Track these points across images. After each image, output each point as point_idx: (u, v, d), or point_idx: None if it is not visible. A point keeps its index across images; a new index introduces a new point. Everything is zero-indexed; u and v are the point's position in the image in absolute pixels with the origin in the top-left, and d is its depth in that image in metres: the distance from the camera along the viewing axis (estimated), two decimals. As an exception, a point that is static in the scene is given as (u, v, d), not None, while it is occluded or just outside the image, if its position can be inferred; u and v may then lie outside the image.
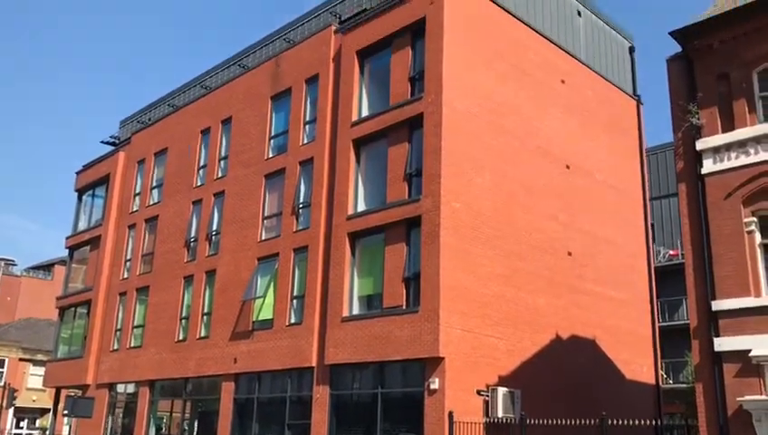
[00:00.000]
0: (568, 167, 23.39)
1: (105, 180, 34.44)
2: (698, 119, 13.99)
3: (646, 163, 27.98)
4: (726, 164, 13.40)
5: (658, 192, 38.30)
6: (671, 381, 34.48)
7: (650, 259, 26.80)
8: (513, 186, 21.11)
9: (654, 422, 15.94)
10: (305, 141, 24.02)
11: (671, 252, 37.56)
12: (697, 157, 13.93)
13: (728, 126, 13.69)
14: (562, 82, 24.00)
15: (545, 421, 15.41)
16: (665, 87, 15.05)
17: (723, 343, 12.60)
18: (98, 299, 32.02)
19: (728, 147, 13.46)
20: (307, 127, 24.28)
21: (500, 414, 17.71)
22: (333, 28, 23.96)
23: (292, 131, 24.54)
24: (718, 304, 12.88)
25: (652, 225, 29.28)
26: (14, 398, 40.12)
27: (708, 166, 13.70)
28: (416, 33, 20.84)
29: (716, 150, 13.61)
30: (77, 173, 37.07)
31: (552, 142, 22.97)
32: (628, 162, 26.71)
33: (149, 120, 34.08)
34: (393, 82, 21.18)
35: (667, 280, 33.92)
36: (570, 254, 22.57)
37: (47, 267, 65.55)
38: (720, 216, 13.28)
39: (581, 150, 24.20)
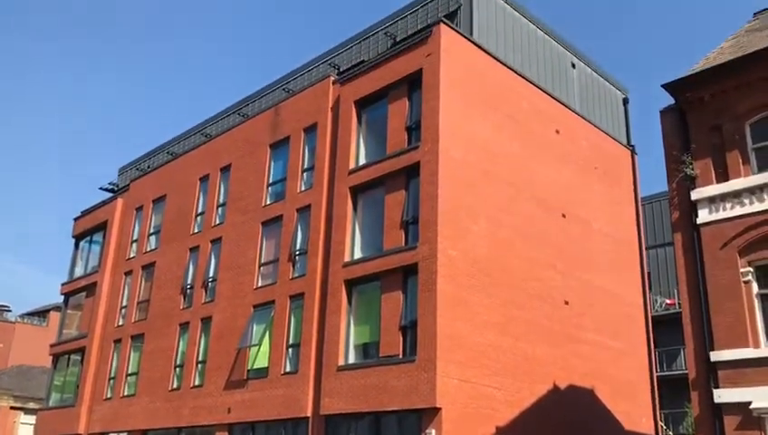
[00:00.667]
0: (564, 215, 23.51)
1: (103, 227, 34.46)
2: (692, 169, 14.14)
3: (641, 212, 28.14)
4: (721, 214, 13.50)
5: (654, 241, 38.40)
6: (671, 433, 33.99)
7: (647, 308, 26.73)
8: (510, 234, 21.18)
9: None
10: (303, 189, 24.16)
11: (668, 301, 37.46)
12: (692, 207, 14.04)
13: (722, 177, 13.83)
14: (557, 131, 24.30)
15: (544, 474, 15.18)
16: (659, 137, 15.25)
17: (722, 395, 12.49)
18: (92, 346, 31.71)
19: (723, 197, 13.57)
20: (305, 174, 24.46)
21: (498, 466, 17.42)
22: (332, 79, 24.34)
23: (289, 179, 24.70)
24: (717, 355, 12.81)
25: (648, 274, 29.28)
26: (3, 448, 39.37)
27: (703, 216, 13.79)
28: (412, 83, 21.18)
29: (711, 201, 13.72)
30: (75, 219, 37.10)
31: (547, 191, 23.14)
32: (623, 211, 26.86)
33: (148, 167, 34.30)
34: (390, 131, 21.44)
35: (664, 329, 33.76)
36: (567, 302, 22.52)
37: (42, 314, 65.02)
38: (716, 266, 13.31)
39: (577, 199, 24.37)
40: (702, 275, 13.47)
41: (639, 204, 28.06)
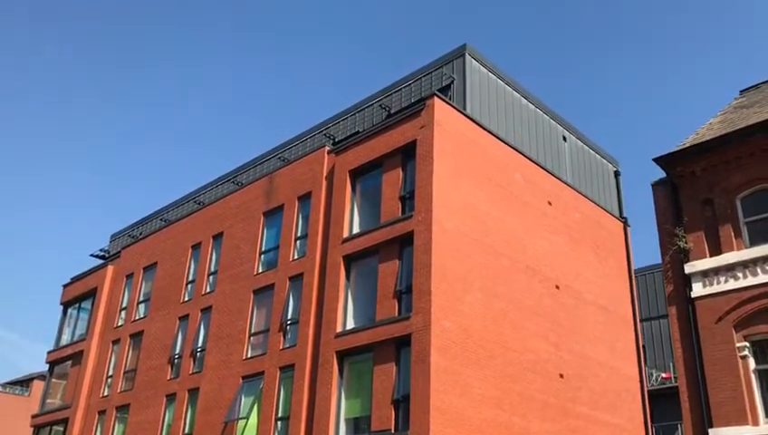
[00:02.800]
0: (557, 287, 23.42)
1: (92, 294, 34.06)
2: (686, 242, 14.18)
3: (635, 284, 28.07)
4: (716, 288, 13.46)
5: (648, 313, 38.14)
6: None
7: (644, 382, 26.35)
8: (503, 304, 21.02)
9: None
10: (296, 257, 24.05)
11: (663, 375, 36.93)
12: (686, 280, 14.01)
13: (715, 250, 13.86)
14: (549, 203, 24.46)
15: None
16: (652, 209, 15.33)
17: (723, 475, 12.19)
18: (76, 417, 30.86)
19: (716, 271, 13.57)
20: (298, 242, 24.40)
21: None
22: (327, 148, 24.59)
23: (282, 247, 24.62)
24: (715, 433, 12.55)
25: (643, 346, 28.98)
26: None
27: (698, 289, 13.74)
28: (406, 154, 21.42)
29: (705, 274, 13.70)
30: (64, 286, 36.71)
31: (540, 262, 23.11)
32: (617, 283, 26.79)
33: (140, 234, 34.20)
34: (384, 200, 21.53)
35: (660, 403, 33.17)
36: (562, 376, 22.17)
37: (25, 383, 63.51)
38: (712, 340, 13.19)
39: (570, 271, 24.32)
40: (698, 349, 13.34)
41: (633, 276, 28.02)
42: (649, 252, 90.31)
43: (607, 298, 25.68)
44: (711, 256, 13.79)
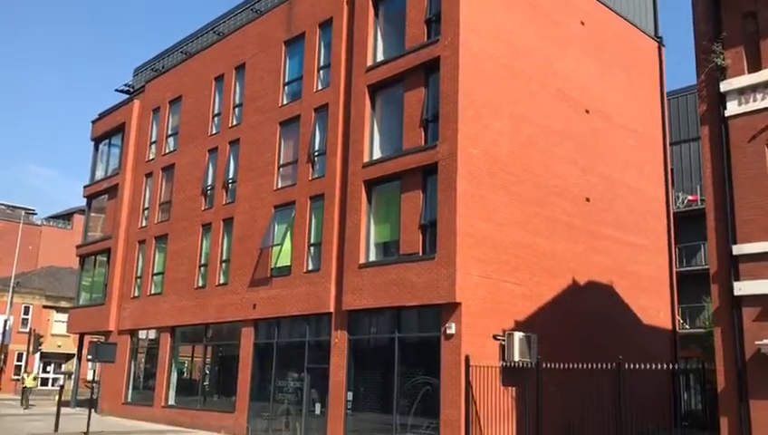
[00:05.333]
0: (587, 111, 23.01)
1: (121, 129, 34.46)
2: (723, 59, 13.58)
3: (666, 107, 27.46)
4: (752, 106, 13.04)
5: (678, 137, 37.68)
6: (687, 326, 34.55)
7: (669, 204, 26.55)
8: (532, 130, 20.82)
9: (670, 366, 16.01)
10: (319, 88, 23.75)
11: (690, 197, 37.18)
12: (721, 99, 13.58)
13: (754, 66, 13.27)
14: (582, 23, 23.42)
15: (561, 365, 15.52)
16: (688, 29, 14.59)
17: (743, 288, 12.49)
18: (117, 247, 32.40)
19: (754, 88, 13.07)
20: (321, 73, 23.97)
21: (516, 358, 17.86)
22: (347, -30, 23.39)
23: (306, 77, 24.25)
24: (739, 249, 12.73)
25: (672, 170, 28.90)
26: (40, 344, 41.23)
27: (732, 108, 13.34)
28: (432, -27, 20.30)
29: (741, 92, 13.23)
30: (93, 122, 37.12)
31: (570, 85, 22.54)
32: (648, 106, 26.23)
33: (163, 67, 33.83)
34: (409, 24, 20.74)
35: (685, 226, 33.66)
36: (588, 199, 22.39)
37: (67, 217, 66.38)
38: (743, 159, 13.00)
39: (601, 93, 23.75)
40: (728, 168, 13.18)
41: (665, 98, 27.35)
42: (682, 74, 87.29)
43: (637, 121, 25.26)
44: (749, 72, 13.22)
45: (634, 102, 25.31)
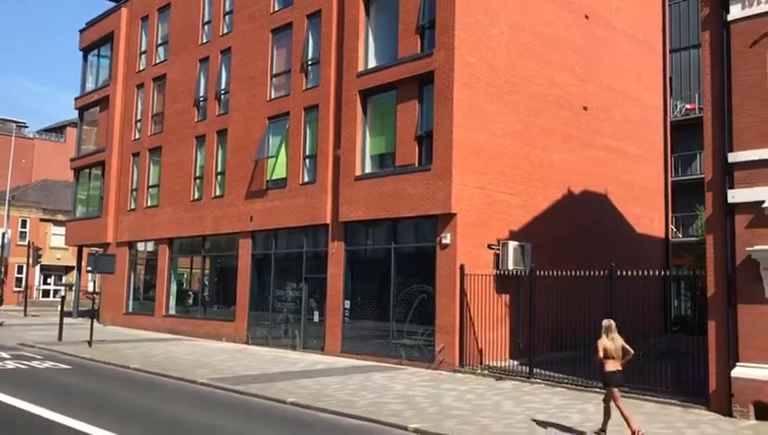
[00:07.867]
0: (587, 16, 22.46)
1: (110, 39, 33.63)
2: (729, -39, 13.15)
3: (668, 12, 26.81)
4: (755, 9, 12.71)
5: (678, 44, 36.98)
6: (680, 235, 34.98)
7: (667, 113, 26.35)
8: (530, 37, 20.37)
9: (662, 273, 16.28)
10: (312, -7, 23.03)
11: (688, 106, 36.85)
12: (723, 2, 13.24)
13: (760, -32, 12.87)
14: (584, -77, 22.53)
15: (554, 273, 15.75)
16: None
17: (737, 195, 12.55)
18: (111, 160, 32.25)
19: (759, -9, 12.74)
20: (314, -22, 23.18)
21: (510, 267, 18.12)
22: None
23: (298, -17, 23.47)
24: (735, 156, 12.71)
25: (670, 78, 28.51)
26: (39, 256, 41.59)
27: (735, 12, 13.02)
28: None
29: (745, -5, 12.90)
30: (80, 31, 36.18)
31: (570, -10, 21.90)
32: (648, 11, 25.61)
33: (149, -27, 32.63)
34: (404, -74, 19.90)
35: (682, 134, 33.54)
36: (585, 108, 22.18)
37: (59, 130, 65.62)
38: (744, 65, 12.79)
39: (601, -1, 23.12)
40: (728, 75, 12.99)
41: (666, 3, 26.66)
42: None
43: (637, 27, 24.71)
44: (755, -26, 12.85)
45: (635, 7, 24.69)
